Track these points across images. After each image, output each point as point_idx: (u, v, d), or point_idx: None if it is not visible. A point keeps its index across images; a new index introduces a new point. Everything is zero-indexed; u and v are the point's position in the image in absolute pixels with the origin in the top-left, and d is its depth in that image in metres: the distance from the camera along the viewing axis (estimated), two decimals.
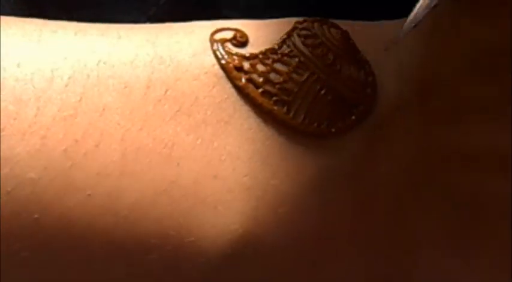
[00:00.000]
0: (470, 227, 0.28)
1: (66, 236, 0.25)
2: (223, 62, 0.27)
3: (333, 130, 0.27)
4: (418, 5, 0.27)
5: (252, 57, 0.27)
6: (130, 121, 0.26)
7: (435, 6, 0.27)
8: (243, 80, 0.27)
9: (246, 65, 0.27)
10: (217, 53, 0.27)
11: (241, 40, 0.28)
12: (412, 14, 0.27)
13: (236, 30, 0.28)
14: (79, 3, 0.37)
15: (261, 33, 0.28)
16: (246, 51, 0.28)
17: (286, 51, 0.28)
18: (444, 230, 0.28)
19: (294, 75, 0.27)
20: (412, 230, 0.28)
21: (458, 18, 0.30)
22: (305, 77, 0.27)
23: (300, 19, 0.29)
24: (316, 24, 0.29)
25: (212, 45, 0.28)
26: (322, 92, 0.27)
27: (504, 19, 0.30)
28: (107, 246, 0.25)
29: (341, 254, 0.28)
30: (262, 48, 0.28)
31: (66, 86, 0.26)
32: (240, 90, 0.27)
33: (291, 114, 0.27)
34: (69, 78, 0.26)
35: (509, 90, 0.29)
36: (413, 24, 0.27)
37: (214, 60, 0.27)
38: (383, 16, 0.31)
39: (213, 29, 0.28)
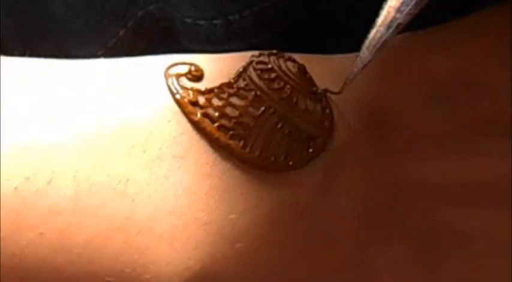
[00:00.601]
0: (430, 258, 0.28)
1: (19, 275, 0.25)
2: (178, 96, 0.27)
3: (291, 163, 0.27)
4: (364, 46, 0.27)
5: (207, 91, 0.27)
6: (83, 157, 0.26)
7: (382, 45, 0.27)
8: (199, 115, 0.27)
9: (202, 100, 0.27)
10: (172, 87, 0.27)
11: (196, 74, 0.28)
12: (359, 56, 0.27)
13: (191, 64, 0.28)
14: (38, 35, 0.37)
15: (216, 67, 0.28)
16: (201, 85, 0.28)
17: (242, 85, 0.28)
18: (405, 261, 0.28)
19: (250, 109, 0.27)
20: (373, 262, 0.28)
21: (413, 51, 0.30)
22: (261, 110, 0.27)
23: (256, 53, 0.29)
24: (272, 58, 0.29)
25: (167, 80, 0.27)
26: (279, 125, 0.27)
27: (461, 51, 0.30)
28: None
29: None
30: (218, 82, 0.28)
31: None
32: (195, 124, 0.27)
33: (248, 149, 0.27)
34: None
35: (467, 121, 0.29)
36: (361, 65, 0.27)
37: (169, 95, 0.27)
38: (342, 49, 0.31)
39: (168, 64, 0.28)
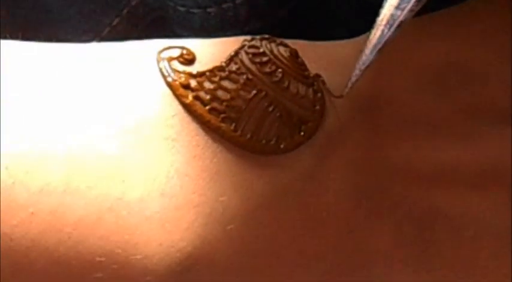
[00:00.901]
0: (421, 242, 0.28)
1: (9, 255, 0.25)
2: (169, 79, 0.27)
3: (282, 146, 0.27)
4: (366, 47, 0.27)
5: (199, 74, 0.27)
6: (74, 137, 0.26)
7: (384, 45, 0.26)
8: (190, 98, 0.27)
9: (193, 83, 0.27)
10: (164, 70, 0.27)
11: (188, 58, 0.28)
12: (361, 57, 0.27)
13: (183, 48, 0.28)
14: (32, 24, 0.37)
15: (208, 51, 0.28)
16: (193, 68, 0.28)
17: (234, 69, 0.28)
18: (396, 244, 0.28)
19: (242, 93, 0.27)
20: (364, 245, 0.28)
21: (405, 37, 0.30)
22: (253, 94, 0.27)
23: (248, 37, 0.29)
24: (264, 42, 0.29)
25: (158, 63, 0.28)
26: (270, 108, 0.27)
27: (452, 37, 0.30)
28: (51, 265, 0.25)
29: (291, 271, 0.28)
30: (210, 65, 0.28)
31: None
32: (187, 107, 0.27)
33: (239, 132, 0.27)
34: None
35: (458, 106, 0.29)
36: (363, 66, 0.27)
37: (161, 78, 0.27)
38: (335, 37, 0.31)
39: (161, 48, 0.28)
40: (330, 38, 0.31)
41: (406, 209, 0.28)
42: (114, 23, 0.36)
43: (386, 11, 0.26)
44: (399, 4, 0.26)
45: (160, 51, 0.28)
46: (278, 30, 0.31)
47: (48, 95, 0.26)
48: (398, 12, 0.26)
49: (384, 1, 0.26)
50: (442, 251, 0.28)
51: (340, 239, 0.28)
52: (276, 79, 0.28)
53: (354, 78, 0.27)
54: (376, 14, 0.27)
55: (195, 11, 0.35)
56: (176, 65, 0.28)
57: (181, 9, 0.35)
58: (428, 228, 0.28)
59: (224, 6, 0.34)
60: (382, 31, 0.26)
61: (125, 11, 0.36)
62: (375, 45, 0.26)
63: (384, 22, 0.26)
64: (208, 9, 0.35)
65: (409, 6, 0.25)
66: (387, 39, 0.26)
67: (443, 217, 0.28)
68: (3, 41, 0.28)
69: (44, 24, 0.37)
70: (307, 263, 0.27)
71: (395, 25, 0.26)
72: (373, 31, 0.27)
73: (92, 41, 0.37)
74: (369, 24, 0.29)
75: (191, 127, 0.27)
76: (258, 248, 0.27)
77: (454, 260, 0.28)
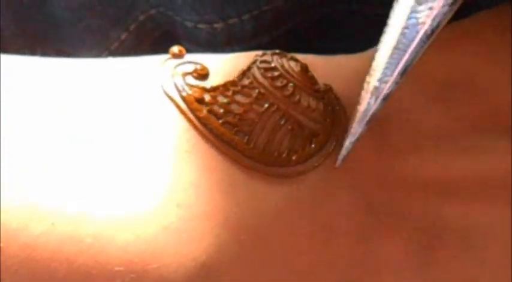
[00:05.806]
0: (430, 251, 0.29)
1: (31, 265, 0.25)
2: (184, 94, 0.28)
3: (294, 158, 0.28)
4: (355, 121, 0.27)
5: (212, 89, 0.28)
6: (90, 150, 0.26)
7: (372, 117, 0.27)
8: (204, 111, 0.28)
9: (207, 97, 0.28)
10: (178, 85, 0.28)
11: (202, 73, 0.28)
12: (350, 131, 0.28)
13: (197, 63, 0.29)
14: (43, 38, 0.38)
15: (221, 66, 0.29)
16: (206, 83, 0.28)
17: (246, 83, 0.28)
18: (405, 254, 0.28)
19: (254, 106, 0.28)
20: (374, 255, 0.28)
21: None
22: (265, 107, 0.28)
23: (260, 52, 0.30)
24: (275, 57, 0.29)
25: (173, 78, 0.28)
26: (282, 121, 0.28)
27: (459, 51, 0.31)
28: (71, 274, 0.25)
29: (303, 281, 0.28)
30: (223, 80, 0.28)
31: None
32: (201, 121, 0.28)
33: (252, 144, 0.28)
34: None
35: (465, 119, 0.30)
36: (353, 139, 0.28)
37: (176, 93, 0.28)
38: (339, 51, 0.32)
39: (175, 63, 0.29)
40: (335, 52, 0.31)
41: (414, 220, 0.29)
42: (122, 37, 0.37)
43: (370, 84, 0.27)
44: (382, 77, 0.26)
45: (175, 66, 0.29)
46: (284, 44, 0.32)
47: (61, 113, 0.27)
48: (383, 85, 0.26)
49: (367, 74, 0.27)
50: (450, 260, 0.28)
51: (351, 249, 0.28)
52: (288, 93, 0.29)
53: (345, 151, 0.28)
54: (381, 27, 0.28)
55: (202, 26, 0.35)
56: (190, 79, 0.28)
57: (189, 24, 0.36)
58: (436, 238, 0.28)
59: (230, 21, 0.35)
60: (368, 103, 0.27)
61: (133, 26, 0.37)
62: (362, 118, 0.27)
63: (368, 95, 0.27)
64: (215, 25, 0.35)
65: (392, 79, 0.26)
66: (374, 111, 0.27)
67: (451, 227, 0.28)
68: (7, 56, 0.29)
69: (53, 39, 0.37)
70: (318, 273, 0.28)
71: (380, 97, 0.27)
72: (359, 104, 0.27)
73: (101, 55, 0.37)
74: (373, 38, 0.30)
75: (205, 140, 0.27)
76: (270, 258, 0.27)
77: (462, 270, 0.29)
